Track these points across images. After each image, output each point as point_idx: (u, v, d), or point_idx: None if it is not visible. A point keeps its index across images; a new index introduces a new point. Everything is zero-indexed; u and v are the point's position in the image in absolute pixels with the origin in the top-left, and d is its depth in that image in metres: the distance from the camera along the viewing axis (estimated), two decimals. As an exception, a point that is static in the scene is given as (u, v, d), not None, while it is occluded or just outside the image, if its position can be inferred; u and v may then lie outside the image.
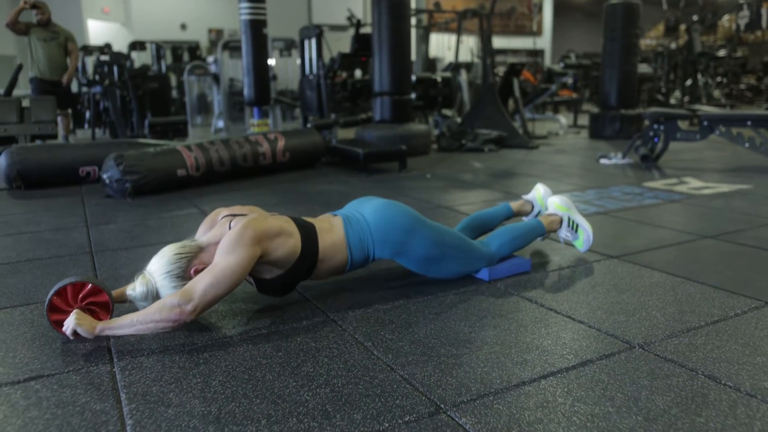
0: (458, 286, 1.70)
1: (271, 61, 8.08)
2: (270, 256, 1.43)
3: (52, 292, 1.35)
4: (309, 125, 5.59)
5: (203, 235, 1.55)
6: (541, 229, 1.90)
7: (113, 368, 1.23)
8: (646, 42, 17.30)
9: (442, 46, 13.27)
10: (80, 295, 1.36)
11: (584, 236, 1.97)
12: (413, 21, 9.23)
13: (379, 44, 4.89)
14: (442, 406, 1.06)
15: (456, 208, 2.83)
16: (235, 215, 1.51)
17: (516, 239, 1.81)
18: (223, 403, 1.08)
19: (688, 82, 10.40)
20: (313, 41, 6.50)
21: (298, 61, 7.49)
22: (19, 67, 5.41)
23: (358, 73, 7.24)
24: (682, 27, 11.57)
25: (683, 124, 5.09)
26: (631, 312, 1.49)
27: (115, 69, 6.62)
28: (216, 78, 7.94)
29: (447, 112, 7.07)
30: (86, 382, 1.17)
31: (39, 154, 3.58)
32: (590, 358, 1.24)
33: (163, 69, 8.89)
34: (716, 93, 11.38)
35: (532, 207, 2.16)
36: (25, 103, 4.37)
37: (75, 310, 1.31)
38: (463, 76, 7.48)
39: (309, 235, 1.50)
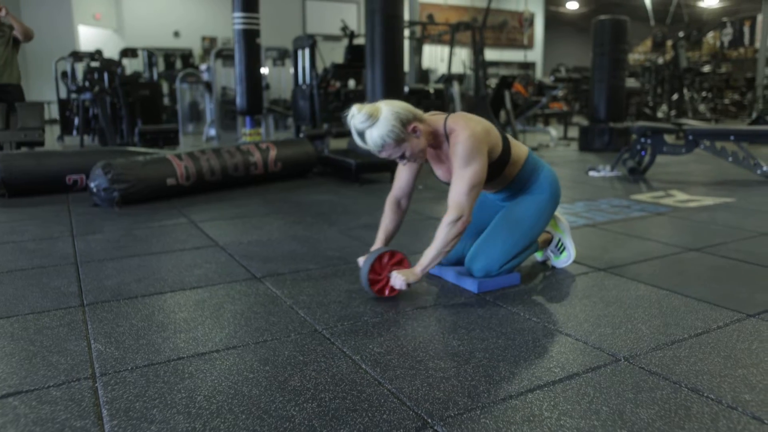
0: (447, 299, 1.70)
1: (265, 71, 8.09)
2: (491, 151, 1.67)
3: (367, 270, 1.63)
4: (301, 135, 5.60)
5: None
6: (535, 246, 1.92)
7: (95, 383, 1.21)
8: (635, 57, 17.59)
9: (435, 57, 13.38)
10: (391, 262, 1.68)
11: (565, 257, 2.01)
12: (406, 33, 9.31)
13: (372, 55, 4.92)
14: (430, 420, 1.06)
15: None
16: (443, 113, 1.70)
17: (516, 261, 1.83)
18: (207, 419, 1.07)
19: (675, 97, 10.57)
20: (307, 51, 6.53)
21: (292, 71, 7.52)
22: None
23: (351, 83, 7.27)
24: (669, 43, 11.78)
25: (669, 138, 5.17)
26: (618, 325, 1.50)
27: (106, 76, 6.58)
28: (208, 86, 7.94)
29: (438, 123, 7.11)
30: (67, 398, 1.15)
31: (25, 162, 3.54)
32: (576, 371, 1.25)
33: (155, 76, 8.87)
34: (702, 107, 11.58)
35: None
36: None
37: (393, 272, 1.63)
38: (456, 88, 7.54)
39: (505, 139, 1.75)
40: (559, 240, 2.00)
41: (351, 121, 1.55)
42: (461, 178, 1.59)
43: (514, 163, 1.78)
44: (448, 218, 1.58)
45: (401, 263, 1.70)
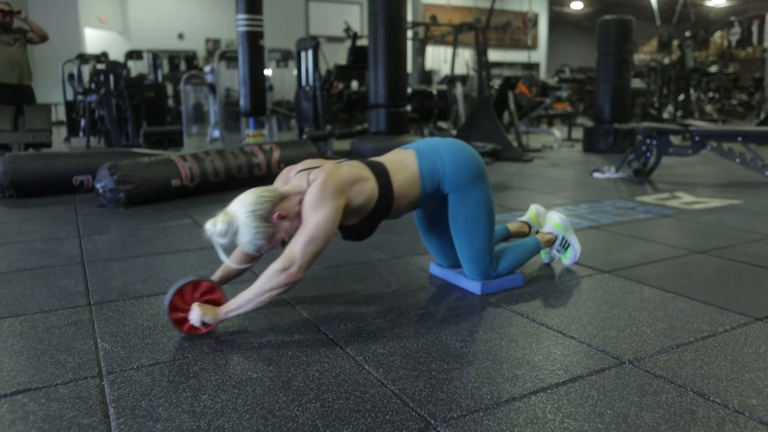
0: (450, 301, 1.70)
1: (268, 72, 8.12)
2: (352, 204, 1.48)
3: (171, 292, 1.43)
4: (305, 136, 5.61)
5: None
6: (538, 247, 1.93)
7: (102, 382, 1.22)
8: (640, 57, 17.53)
9: (438, 58, 13.39)
10: (197, 294, 1.46)
11: (572, 254, 2.01)
12: (410, 34, 9.32)
13: (375, 57, 4.93)
14: (432, 421, 1.06)
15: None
16: (309, 169, 1.52)
17: (515, 259, 1.82)
18: (212, 417, 1.08)
19: (681, 97, 10.52)
20: (310, 53, 6.55)
21: (295, 72, 7.54)
22: None
23: (354, 84, 7.29)
24: (675, 43, 11.75)
25: (675, 139, 5.15)
26: (622, 327, 1.50)
27: (111, 78, 6.62)
28: (212, 88, 7.97)
29: (442, 124, 7.12)
30: (74, 395, 1.16)
31: (32, 163, 3.57)
32: (580, 373, 1.24)
33: (160, 78, 8.91)
34: (708, 108, 11.52)
35: (530, 228, 2.17)
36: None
37: (195, 304, 1.42)
38: (459, 89, 7.54)
39: (383, 176, 1.56)
40: (563, 238, 2.00)
41: (212, 238, 1.39)
42: (304, 226, 1.40)
43: (407, 194, 1.59)
44: (275, 266, 1.37)
45: (218, 303, 1.47)
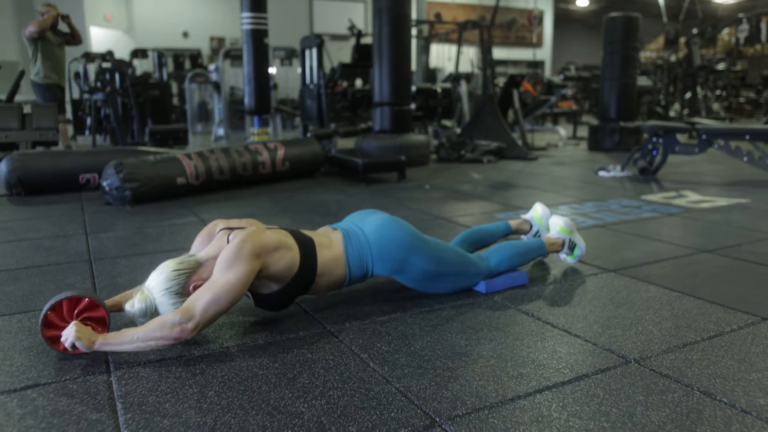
0: (455, 299, 1.70)
1: (272, 70, 8.13)
2: (268, 270, 1.42)
3: (46, 307, 1.32)
4: (309, 135, 5.62)
5: (200, 246, 1.53)
6: (542, 250, 1.92)
7: (110, 378, 1.23)
8: (646, 54, 17.41)
9: (443, 56, 13.36)
10: (76, 310, 1.34)
11: (578, 252, 2.02)
12: (414, 31, 9.30)
13: (379, 54, 4.93)
14: (437, 419, 1.06)
15: (454, 220, 2.84)
16: (232, 228, 1.49)
17: (515, 256, 1.81)
18: (218, 414, 1.09)
19: (688, 95, 10.46)
20: (314, 51, 6.55)
21: (299, 71, 7.54)
22: (22, 74, 5.44)
23: (358, 82, 7.28)
24: (682, 40, 11.67)
25: (682, 138, 5.12)
26: (628, 326, 1.49)
27: (117, 76, 6.65)
28: (217, 86, 7.99)
29: (447, 122, 7.11)
30: (83, 391, 1.17)
31: (40, 161, 3.59)
32: (586, 372, 1.24)
33: (165, 77, 8.94)
34: (715, 106, 11.44)
35: (531, 226, 2.17)
36: (26, 109, 4.39)
37: (74, 322, 1.29)
38: (463, 87, 7.52)
39: (307, 249, 1.50)
40: (569, 240, 2.00)
41: (134, 319, 1.36)
42: (211, 283, 1.32)
43: (331, 272, 1.53)
44: (171, 316, 1.27)
45: (100, 323, 1.37)
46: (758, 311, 1.58)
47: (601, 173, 4.44)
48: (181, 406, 1.11)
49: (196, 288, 1.38)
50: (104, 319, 1.38)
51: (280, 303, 1.52)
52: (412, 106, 5.65)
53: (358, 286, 1.82)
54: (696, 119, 9.09)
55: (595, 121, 7.13)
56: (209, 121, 9.15)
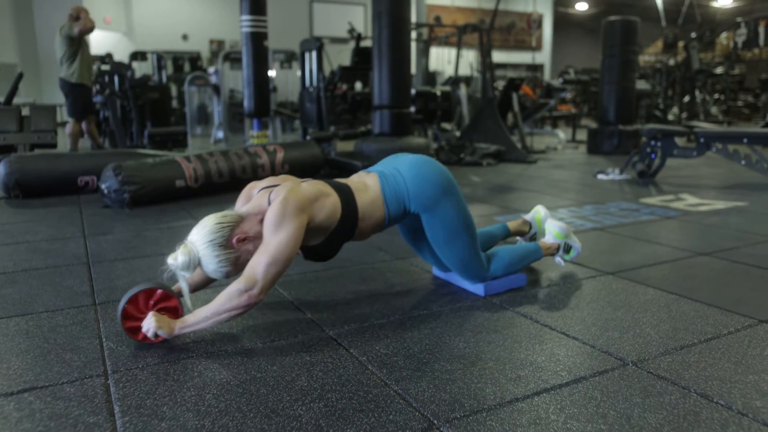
0: (453, 302, 1.71)
1: (272, 73, 8.14)
2: (314, 221, 1.45)
3: (124, 300, 1.39)
4: (308, 137, 5.62)
5: (241, 207, 1.54)
6: (539, 254, 1.91)
7: (107, 380, 1.23)
8: (645, 58, 17.46)
9: (442, 59, 13.39)
10: (151, 301, 1.42)
11: (574, 253, 2.02)
12: (413, 35, 9.33)
13: (379, 58, 4.94)
14: (435, 422, 1.07)
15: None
16: (271, 186, 1.50)
17: (512, 264, 1.81)
18: (216, 416, 1.08)
19: (686, 99, 10.49)
20: (314, 54, 6.56)
21: (299, 73, 7.56)
22: (20, 76, 5.44)
23: (358, 85, 7.30)
24: (681, 44, 11.71)
25: (680, 141, 5.13)
26: (625, 329, 1.49)
27: (116, 79, 6.66)
28: (216, 89, 8.00)
29: (446, 125, 7.12)
30: (80, 394, 1.17)
31: (38, 164, 3.59)
32: (583, 374, 1.24)
33: (164, 79, 8.95)
34: (714, 110, 11.47)
35: (530, 227, 2.17)
36: (25, 111, 4.40)
37: (152, 313, 1.37)
38: (463, 90, 7.54)
39: (346, 194, 1.53)
40: (565, 243, 2.00)
41: (176, 272, 1.37)
42: (265, 246, 1.36)
43: (371, 214, 1.56)
44: (236, 286, 1.33)
45: (175, 312, 1.44)
46: (755, 314, 1.59)
47: (600, 176, 4.45)
48: (179, 409, 1.11)
49: (239, 241, 1.40)
50: (177, 307, 1.44)
51: (328, 252, 1.55)
52: (412, 109, 5.66)
53: (357, 288, 1.82)
54: (694, 123, 9.10)
55: (594, 125, 7.15)
56: (208, 123, 9.16)
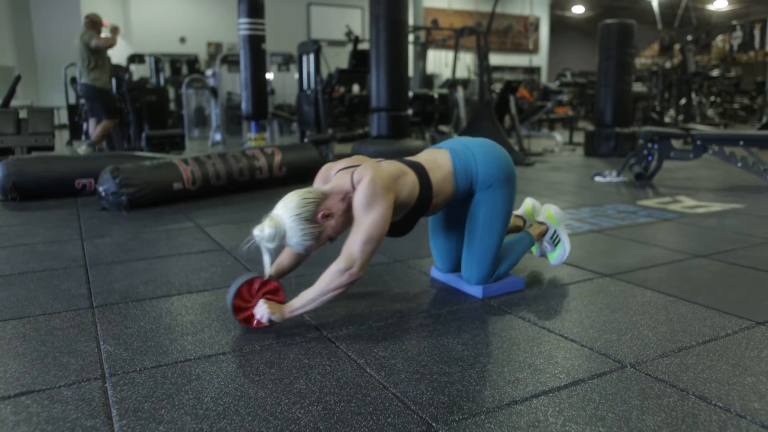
0: (451, 304, 1.71)
1: (269, 76, 8.14)
2: (399, 199, 1.52)
3: (232, 294, 1.49)
4: (306, 140, 5.62)
5: (321, 187, 1.58)
6: (531, 240, 1.92)
7: (105, 384, 1.22)
8: (641, 61, 17.53)
9: (440, 62, 13.42)
10: (257, 290, 1.52)
11: (560, 252, 1.99)
12: (411, 38, 9.34)
13: (376, 60, 4.95)
14: (434, 424, 1.06)
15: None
16: (350, 167, 1.55)
17: (511, 260, 1.82)
18: (214, 420, 1.08)
19: (683, 101, 10.53)
20: (312, 56, 6.57)
21: (296, 76, 7.56)
22: (18, 78, 5.44)
23: (355, 88, 7.30)
24: (677, 47, 11.77)
25: (677, 143, 5.14)
26: (623, 331, 1.50)
27: (114, 81, 6.64)
28: (214, 91, 7.99)
29: (444, 128, 7.13)
30: (77, 397, 1.17)
31: (35, 166, 3.59)
32: (582, 377, 1.25)
33: (162, 82, 8.94)
34: (710, 112, 11.52)
35: (524, 222, 2.17)
36: (22, 114, 4.39)
37: (262, 300, 1.48)
38: (460, 93, 7.55)
39: (421, 172, 1.59)
40: (555, 232, 1.99)
41: (260, 244, 1.43)
42: (359, 226, 1.45)
43: (443, 190, 1.63)
44: (336, 266, 1.43)
45: (276, 293, 1.55)
46: (753, 316, 1.59)
47: (597, 178, 4.46)
48: (177, 412, 1.11)
49: (323, 217, 1.46)
50: (279, 290, 1.55)
51: (407, 227, 1.64)
52: (410, 111, 5.67)
53: (355, 290, 1.82)
54: (691, 125, 9.13)
55: (590, 127, 7.17)
56: (206, 126, 9.15)
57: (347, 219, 1.51)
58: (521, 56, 17.18)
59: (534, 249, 2.06)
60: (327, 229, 1.48)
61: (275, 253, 1.54)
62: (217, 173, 3.61)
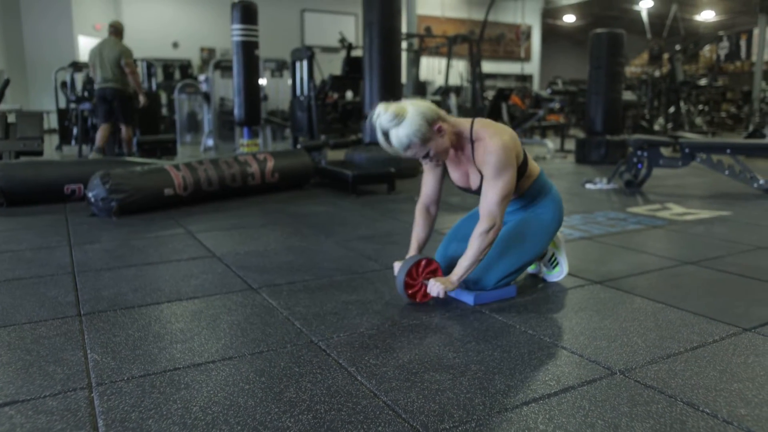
0: (443, 311, 1.71)
1: (263, 81, 8.13)
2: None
3: (403, 274, 1.70)
4: (299, 146, 5.62)
5: None
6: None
7: (91, 393, 1.21)
8: (631, 69, 17.74)
9: (433, 69, 13.48)
10: (422, 270, 1.74)
11: (557, 272, 2.00)
12: (404, 45, 9.39)
13: (369, 67, 4.97)
14: (424, 433, 1.06)
15: (442, 232, 2.85)
16: (473, 119, 1.72)
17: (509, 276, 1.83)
18: (203, 429, 1.07)
19: (671, 110, 10.66)
20: (305, 63, 6.58)
21: (290, 82, 7.56)
22: (6, 82, 5.39)
23: (349, 94, 7.32)
24: (665, 56, 11.93)
25: (666, 151, 5.19)
26: (613, 338, 1.50)
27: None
28: (207, 97, 7.97)
29: (436, 134, 7.15)
30: (63, 408, 1.15)
31: (24, 171, 3.55)
32: (572, 384, 1.25)
33: (154, 87, 8.90)
34: (698, 120, 11.67)
35: None
36: (11, 118, 4.35)
37: (432, 280, 1.70)
38: (453, 100, 7.60)
39: (525, 154, 1.78)
40: (553, 254, 2.00)
41: (377, 120, 1.57)
42: (493, 188, 1.64)
43: (528, 177, 1.80)
44: (480, 228, 1.65)
45: (435, 272, 1.78)
46: (739, 322, 1.61)
47: (588, 186, 4.49)
48: (165, 422, 1.10)
49: (438, 130, 1.61)
50: (438, 269, 1.78)
51: None
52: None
53: (347, 298, 1.82)
54: (680, 133, 9.23)
55: (582, 135, 7.23)
56: (198, 131, 9.12)
57: (445, 150, 1.66)
58: (513, 64, 17.32)
59: (532, 267, 2.07)
60: (431, 142, 1.60)
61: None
62: (209, 179, 3.59)
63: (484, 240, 1.65)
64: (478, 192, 1.75)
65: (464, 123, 1.69)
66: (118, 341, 1.48)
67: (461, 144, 1.71)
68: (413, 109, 1.56)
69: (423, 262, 1.75)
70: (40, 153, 4.31)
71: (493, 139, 1.63)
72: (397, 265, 1.80)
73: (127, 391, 1.22)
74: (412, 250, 1.83)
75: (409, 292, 1.74)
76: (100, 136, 5.51)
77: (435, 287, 1.68)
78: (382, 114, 1.55)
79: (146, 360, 1.37)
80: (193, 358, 1.38)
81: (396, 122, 1.54)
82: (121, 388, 1.23)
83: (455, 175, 1.80)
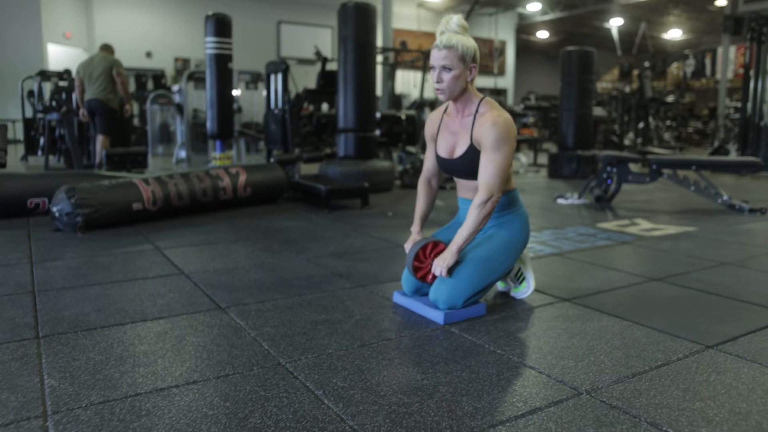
0: (413, 330, 1.70)
1: (237, 93, 8.06)
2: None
3: (412, 257, 1.82)
4: (272, 160, 5.58)
5: None
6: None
7: (46, 422, 1.16)
8: (603, 85, 18.24)
9: (408, 83, 13.61)
10: (429, 252, 1.83)
11: (524, 289, 2.02)
12: (380, 58, 9.46)
13: (344, 82, 4.98)
14: (391, 459, 1.05)
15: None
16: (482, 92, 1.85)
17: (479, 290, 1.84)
18: (161, 460, 1.03)
19: (641, 125, 10.98)
20: (280, 75, 6.56)
21: (264, 94, 7.52)
22: None
23: (324, 106, 7.32)
24: (635, 72, 12.33)
25: (634, 167, 5.34)
26: (580, 357, 1.52)
27: (74, 96, 6.46)
28: (180, 108, 7.87)
29: (411, 148, 7.20)
30: (13, 439, 1.10)
31: (-15, 184, 3.42)
32: (539, 405, 1.25)
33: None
34: (666, 136, 12.04)
35: None
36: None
37: (436, 260, 1.77)
38: (428, 114, 7.67)
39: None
40: (519, 269, 2.02)
41: (449, 23, 1.74)
42: (492, 161, 1.72)
43: (507, 181, 1.85)
44: (479, 199, 1.72)
45: (442, 250, 1.84)
46: (702, 339, 1.64)
47: (560, 200, 4.57)
48: (122, 452, 1.06)
49: (471, 70, 1.76)
50: (443, 247, 1.84)
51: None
52: (377, 132, 5.70)
53: (316, 317, 1.80)
54: (649, 148, 9.50)
55: (554, 149, 7.37)
56: (171, 142, 8.98)
57: (458, 88, 1.75)
58: (488, 78, 17.63)
59: (501, 284, 2.08)
60: (462, 68, 1.73)
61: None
62: (179, 193, 3.53)
63: (482, 210, 1.72)
64: (456, 162, 1.84)
65: (478, 94, 1.82)
66: (78, 365, 1.43)
67: (466, 107, 1.82)
68: (456, 21, 1.75)
69: (430, 246, 1.83)
70: (3, 165, 4.17)
71: (498, 115, 1.73)
72: (407, 247, 1.91)
73: (85, 419, 1.17)
74: (415, 223, 1.97)
75: (419, 275, 1.84)
76: (99, 149, 5.56)
77: (438, 267, 1.76)
78: (454, 19, 1.74)
79: (106, 385, 1.32)
80: (156, 383, 1.34)
81: (461, 33, 1.74)
82: (78, 416, 1.18)
83: (443, 144, 1.89)
